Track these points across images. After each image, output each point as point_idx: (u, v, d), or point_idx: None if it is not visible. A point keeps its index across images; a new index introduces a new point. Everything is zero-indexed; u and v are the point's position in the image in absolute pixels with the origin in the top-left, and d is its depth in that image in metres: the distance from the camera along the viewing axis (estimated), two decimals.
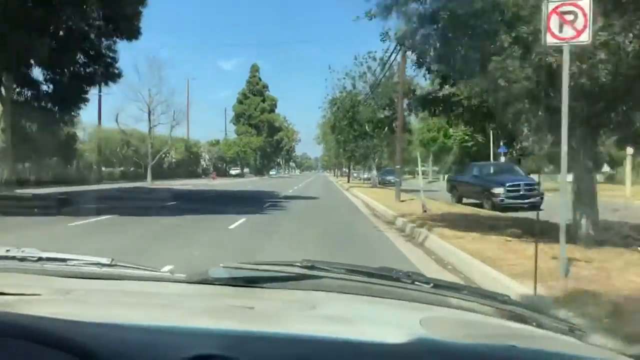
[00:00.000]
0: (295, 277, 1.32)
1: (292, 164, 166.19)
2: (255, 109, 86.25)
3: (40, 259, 1.41)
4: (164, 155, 51.32)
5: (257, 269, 1.36)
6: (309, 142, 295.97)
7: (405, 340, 0.87)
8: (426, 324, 1.02)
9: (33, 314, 0.85)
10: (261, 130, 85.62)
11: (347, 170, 61.88)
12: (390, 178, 33.90)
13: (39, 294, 1.11)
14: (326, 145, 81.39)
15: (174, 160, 60.33)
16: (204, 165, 73.13)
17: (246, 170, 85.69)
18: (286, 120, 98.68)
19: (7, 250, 1.44)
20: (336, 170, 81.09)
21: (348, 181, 48.06)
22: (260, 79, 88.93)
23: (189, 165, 65.14)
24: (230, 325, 0.95)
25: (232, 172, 76.68)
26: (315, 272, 1.29)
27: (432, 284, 1.27)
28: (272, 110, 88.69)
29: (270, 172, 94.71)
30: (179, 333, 0.84)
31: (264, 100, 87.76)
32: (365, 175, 54.55)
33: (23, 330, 0.72)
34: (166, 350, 0.75)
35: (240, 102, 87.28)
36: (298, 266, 1.31)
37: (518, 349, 0.93)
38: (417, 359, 0.83)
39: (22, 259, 1.41)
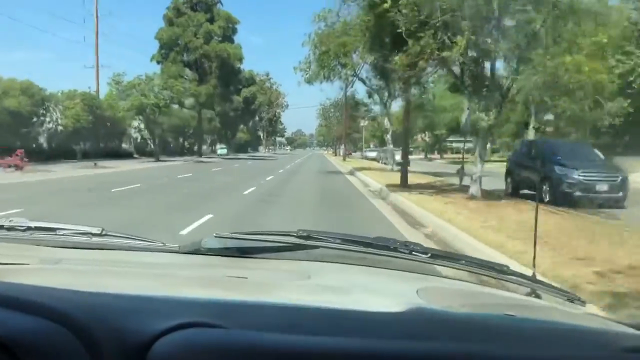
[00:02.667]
0: (290, 247, 1.31)
1: (280, 139, 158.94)
2: (196, 35, 47.54)
3: (29, 228, 1.40)
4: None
5: (251, 239, 1.34)
6: (306, 119, 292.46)
7: (401, 309, 0.87)
8: (423, 294, 1.01)
9: (19, 282, 0.85)
10: (208, 75, 48.97)
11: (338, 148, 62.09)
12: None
13: (26, 264, 1.11)
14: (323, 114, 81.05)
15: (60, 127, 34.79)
16: (136, 137, 48.28)
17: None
18: (268, 77, 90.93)
19: None
20: (336, 146, 78.71)
21: (344, 159, 46.70)
22: None
23: (109, 136, 41.20)
24: (220, 294, 0.93)
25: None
26: (310, 242, 1.28)
27: (429, 254, 1.25)
28: (227, 39, 50.60)
29: (219, 149, 65.61)
30: (165, 301, 0.82)
31: (212, 20, 49.29)
32: (372, 154, 53.05)
33: (5, 298, 0.72)
34: (149, 317, 0.74)
35: (170, 23, 48.56)
36: (293, 236, 1.30)
37: (515, 318, 0.92)
38: (413, 328, 0.82)
39: (10, 229, 1.40)
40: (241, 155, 61.89)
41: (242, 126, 73.56)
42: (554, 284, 1.57)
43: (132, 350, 0.68)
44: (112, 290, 0.86)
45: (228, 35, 50.13)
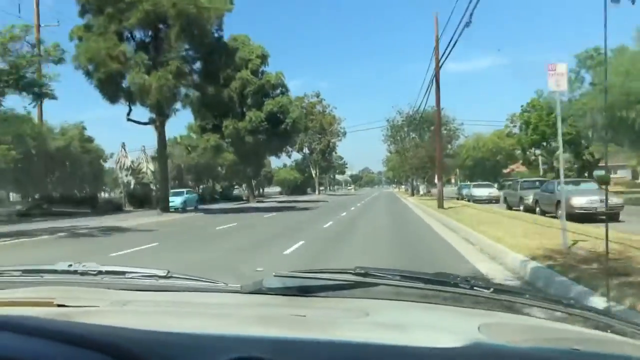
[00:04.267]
0: (348, 285, 1.32)
1: (341, 177, 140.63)
2: None
3: (99, 272, 1.48)
4: None
5: (311, 278, 1.37)
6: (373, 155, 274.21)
7: (461, 344, 0.86)
8: (485, 330, 0.99)
9: (91, 323, 0.90)
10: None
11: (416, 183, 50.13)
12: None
13: (97, 306, 1.18)
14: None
15: None
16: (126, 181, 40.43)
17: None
18: (319, 99, 72.50)
19: (70, 265, 1.52)
20: (411, 182, 57.10)
21: (439, 206, 23.40)
22: None
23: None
24: (279, 332, 0.96)
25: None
26: (369, 280, 1.30)
27: (492, 289, 1.25)
28: (264, 65, 41.46)
29: (171, 195, 33.61)
30: (225, 338, 0.87)
31: None
32: (482, 192, 34.86)
33: (77, 338, 0.78)
34: (209, 353, 0.79)
35: None
36: (351, 273, 1.32)
37: (582, 353, 0.90)
38: None
39: (83, 273, 1.48)
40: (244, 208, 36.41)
41: (280, 157, 51.57)
42: (627, 317, 1.40)
43: None
44: (174, 329, 0.90)
45: None
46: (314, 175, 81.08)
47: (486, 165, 67.10)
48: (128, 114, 25.51)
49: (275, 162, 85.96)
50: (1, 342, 0.78)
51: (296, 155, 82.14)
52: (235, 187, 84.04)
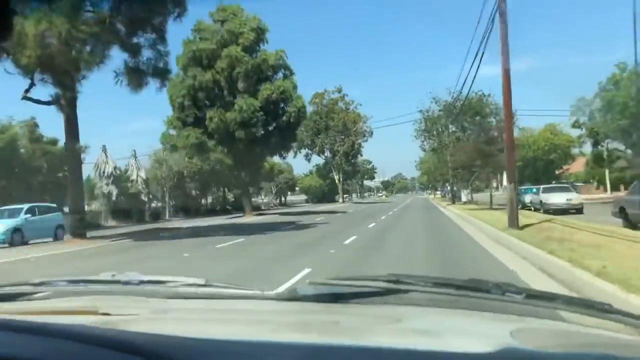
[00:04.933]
0: (381, 292, 1.34)
1: (370, 183, 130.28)
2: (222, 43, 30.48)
3: (141, 282, 1.52)
4: None
5: (344, 285, 1.40)
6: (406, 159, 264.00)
7: (494, 350, 0.86)
8: (517, 335, 0.99)
9: (134, 330, 0.95)
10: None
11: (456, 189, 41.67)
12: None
13: (139, 314, 1.24)
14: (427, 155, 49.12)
15: None
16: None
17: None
18: (341, 94, 63.49)
19: (113, 275, 1.56)
20: (451, 187, 46.64)
21: (513, 225, 13.45)
22: None
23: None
24: (314, 338, 1.01)
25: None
26: (401, 286, 1.32)
27: (524, 295, 1.25)
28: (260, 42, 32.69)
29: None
30: (264, 345, 0.90)
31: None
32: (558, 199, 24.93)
33: (121, 344, 0.81)
34: (249, 359, 0.83)
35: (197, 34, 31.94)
36: (384, 281, 1.35)
37: (617, 359, 0.90)
38: None
39: (126, 283, 1.51)
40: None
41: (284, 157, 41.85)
42: None
43: None
44: (214, 336, 0.94)
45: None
46: (337, 180, 71.69)
47: (538, 166, 56.36)
48: (27, 91, 16.95)
49: (299, 169, 77.56)
50: (48, 348, 0.82)
51: (318, 159, 73.07)
52: (255, 195, 76.55)
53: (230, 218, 35.17)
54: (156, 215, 46.70)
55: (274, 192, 79.49)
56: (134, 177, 45.22)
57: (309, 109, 66.50)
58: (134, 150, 45.06)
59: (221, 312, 1.35)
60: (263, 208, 69.34)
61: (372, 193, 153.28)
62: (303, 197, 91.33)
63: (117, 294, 1.51)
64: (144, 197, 45.37)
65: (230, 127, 29.51)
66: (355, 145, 66.95)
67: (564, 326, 1.21)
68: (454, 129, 37.73)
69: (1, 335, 0.86)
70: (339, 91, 67.15)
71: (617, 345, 1.02)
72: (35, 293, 1.55)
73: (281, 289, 3.27)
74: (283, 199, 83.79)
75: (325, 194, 76.43)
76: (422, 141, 40.63)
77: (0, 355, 0.80)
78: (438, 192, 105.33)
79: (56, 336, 0.84)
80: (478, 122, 32.94)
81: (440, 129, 38.50)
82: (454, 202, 41.84)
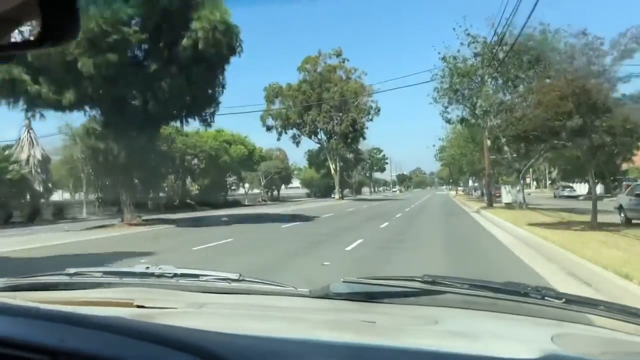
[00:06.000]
0: (416, 293, 1.33)
1: (380, 175, 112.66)
2: None
3: (175, 275, 1.54)
4: None
5: (378, 284, 1.38)
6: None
7: (535, 356, 0.84)
8: (558, 340, 0.97)
9: (171, 324, 0.97)
10: None
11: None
12: None
13: (174, 308, 1.25)
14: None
15: None
16: None
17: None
18: (341, 59, 49.69)
19: (147, 268, 1.60)
20: (488, 181, 30.38)
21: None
22: None
23: None
24: (351, 338, 0.98)
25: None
26: (437, 287, 1.29)
27: (564, 299, 1.23)
28: None
29: None
30: (299, 343, 0.91)
31: None
32: None
33: (159, 338, 0.83)
34: (285, 358, 0.84)
35: None
36: (419, 281, 1.32)
37: None
38: None
39: (160, 276, 1.55)
40: None
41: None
42: None
43: None
44: (251, 332, 0.94)
45: None
46: (332, 170, 56.51)
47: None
48: None
49: (296, 158, 61.90)
50: (90, 340, 0.83)
51: (310, 144, 57.43)
52: (233, 187, 62.28)
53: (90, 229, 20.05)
54: (59, 213, 32.86)
55: (262, 183, 65.54)
56: (23, 156, 31.45)
57: (299, 76, 52.00)
58: (28, 120, 30.58)
59: (256, 307, 1.34)
60: (248, 203, 55.58)
61: (387, 187, 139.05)
62: (302, 190, 77.12)
63: (152, 286, 1.50)
64: (38, 187, 31.54)
65: (67, 51, 14.73)
66: (357, 125, 51.67)
67: (606, 333, 1.17)
68: (494, 83, 22.61)
69: (42, 326, 0.87)
70: (338, 55, 52.03)
71: None
72: (72, 283, 1.58)
73: None
74: (277, 192, 69.93)
75: (331, 187, 61.92)
76: (445, 107, 25.23)
77: (45, 345, 0.81)
78: (460, 188, 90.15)
79: (98, 328, 0.85)
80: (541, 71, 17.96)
81: (477, 83, 23.19)
82: (491, 205, 26.78)
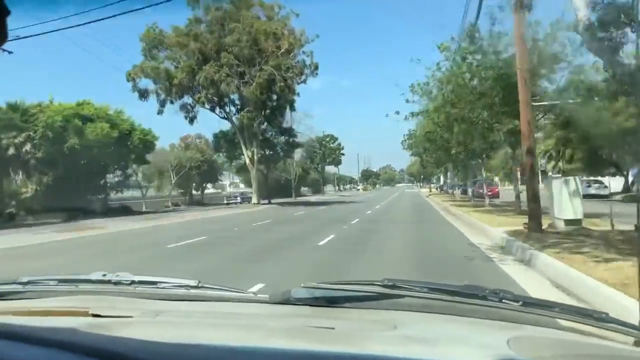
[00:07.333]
0: (376, 297, 1.33)
1: (334, 169, 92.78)
2: None
3: (133, 282, 1.51)
4: None
5: (338, 289, 1.37)
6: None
7: None
8: (514, 344, 0.98)
9: (124, 336, 0.96)
10: None
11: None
12: None
13: (130, 316, 1.22)
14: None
15: None
16: None
17: None
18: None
19: (104, 275, 1.55)
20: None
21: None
22: None
23: None
24: (308, 345, 0.98)
25: None
26: (396, 291, 1.30)
27: (521, 302, 1.24)
28: None
29: None
30: (258, 353, 0.90)
31: None
32: None
33: (110, 354, 0.80)
34: None
35: None
36: (379, 285, 1.32)
37: None
38: None
39: (117, 283, 1.51)
40: None
41: None
42: None
43: None
44: (205, 341, 0.94)
45: None
46: (247, 159, 38.13)
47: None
48: None
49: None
50: (38, 356, 0.80)
51: (214, 119, 38.47)
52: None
53: None
54: None
55: (172, 181, 47.83)
56: None
57: (188, 13, 33.77)
58: None
59: (213, 315, 1.33)
60: (146, 209, 37.88)
61: (354, 186, 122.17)
62: (246, 189, 59.43)
63: (108, 294, 1.48)
64: None
65: None
66: (279, 85, 33.04)
67: (562, 335, 1.19)
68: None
69: None
70: None
71: (616, 356, 1.03)
72: (24, 292, 1.52)
73: None
74: (201, 193, 52.31)
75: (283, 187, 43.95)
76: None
77: None
78: (434, 185, 74.03)
79: (46, 345, 0.82)
80: None
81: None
82: (539, 225, 10.20)
